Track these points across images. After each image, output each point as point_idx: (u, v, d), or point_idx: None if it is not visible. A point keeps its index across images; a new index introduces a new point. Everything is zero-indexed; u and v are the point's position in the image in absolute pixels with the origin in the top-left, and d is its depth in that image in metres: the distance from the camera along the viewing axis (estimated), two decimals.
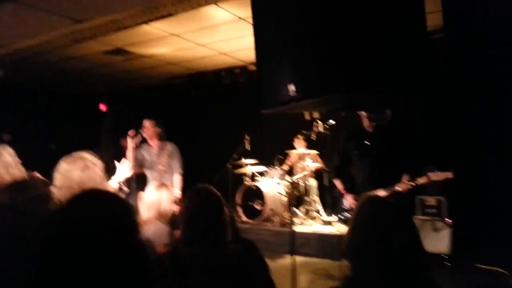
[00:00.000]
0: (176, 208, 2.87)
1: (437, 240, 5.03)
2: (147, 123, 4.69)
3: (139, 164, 4.70)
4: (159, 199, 2.77)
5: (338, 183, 3.89)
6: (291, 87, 2.09)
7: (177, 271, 1.75)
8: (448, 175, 3.40)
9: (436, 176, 3.41)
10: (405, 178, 3.46)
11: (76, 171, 2.02)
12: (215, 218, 1.87)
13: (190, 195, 1.95)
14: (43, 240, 0.86)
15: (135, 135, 4.54)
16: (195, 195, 1.94)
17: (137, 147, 4.62)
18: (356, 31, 2.09)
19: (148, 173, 4.73)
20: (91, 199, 0.96)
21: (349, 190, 3.75)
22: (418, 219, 5.32)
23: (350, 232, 1.47)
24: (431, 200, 5.57)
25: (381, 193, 3.52)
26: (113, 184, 2.82)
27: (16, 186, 1.93)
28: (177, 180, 4.63)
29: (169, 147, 4.72)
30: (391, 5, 2.31)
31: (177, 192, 4.43)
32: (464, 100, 3.88)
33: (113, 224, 0.90)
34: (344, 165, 3.87)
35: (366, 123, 3.65)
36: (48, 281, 0.83)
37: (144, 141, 4.76)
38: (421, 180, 3.47)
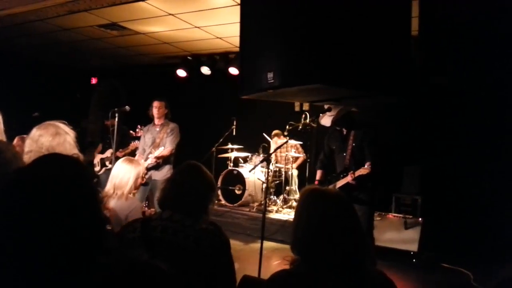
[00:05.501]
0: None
1: (407, 238, 5.15)
2: (158, 104, 4.89)
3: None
4: (128, 173, 2.72)
5: (318, 174, 4.01)
6: (269, 75, 2.18)
7: (147, 240, 1.83)
8: (365, 170, 3.50)
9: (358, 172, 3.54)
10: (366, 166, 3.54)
11: (47, 137, 2.07)
12: (197, 197, 1.88)
13: (180, 169, 1.97)
14: None
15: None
16: (185, 170, 1.95)
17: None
18: (337, 28, 2.17)
19: (148, 149, 4.89)
20: (51, 162, 0.96)
21: (323, 182, 3.87)
22: (391, 216, 5.47)
23: (292, 223, 1.46)
24: (407, 198, 5.72)
25: (337, 184, 3.66)
26: None
27: None
28: (160, 150, 4.70)
29: (172, 125, 4.94)
30: (379, 8, 2.39)
31: (150, 159, 4.66)
32: (439, 103, 4.01)
33: (68, 187, 0.89)
34: (328, 157, 4.00)
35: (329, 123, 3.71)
36: None
37: (150, 121, 4.99)
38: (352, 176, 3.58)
